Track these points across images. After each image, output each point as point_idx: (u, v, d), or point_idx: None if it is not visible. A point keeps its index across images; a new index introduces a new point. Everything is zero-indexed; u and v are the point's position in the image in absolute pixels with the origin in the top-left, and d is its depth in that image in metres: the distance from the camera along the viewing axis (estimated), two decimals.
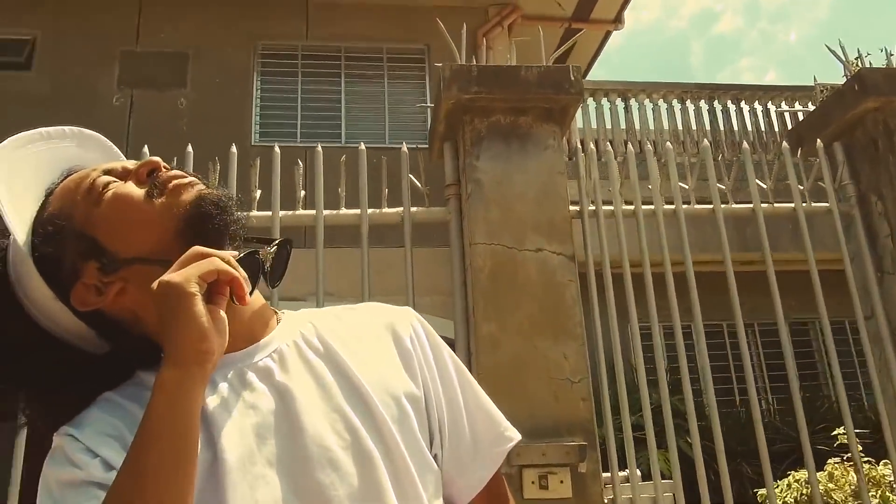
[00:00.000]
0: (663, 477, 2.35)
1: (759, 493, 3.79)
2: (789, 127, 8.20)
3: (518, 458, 2.08)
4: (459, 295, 2.45)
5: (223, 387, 0.80)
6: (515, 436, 0.98)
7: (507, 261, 2.35)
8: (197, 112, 8.98)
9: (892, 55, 2.86)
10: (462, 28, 2.90)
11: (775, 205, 2.69)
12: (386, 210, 2.52)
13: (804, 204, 2.69)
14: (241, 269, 0.76)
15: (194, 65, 9.25)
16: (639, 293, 2.50)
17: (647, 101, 8.09)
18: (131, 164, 0.88)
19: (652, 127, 7.94)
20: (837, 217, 2.69)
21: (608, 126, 7.77)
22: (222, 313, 0.73)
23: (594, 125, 7.79)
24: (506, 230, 2.37)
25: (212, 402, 0.78)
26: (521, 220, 2.39)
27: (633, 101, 8.05)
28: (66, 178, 0.86)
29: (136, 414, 0.75)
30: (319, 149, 2.67)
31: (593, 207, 2.58)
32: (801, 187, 2.71)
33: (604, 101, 7.98)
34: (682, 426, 2.96)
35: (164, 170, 0.86)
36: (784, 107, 8.40)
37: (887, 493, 2.97)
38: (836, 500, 3.26)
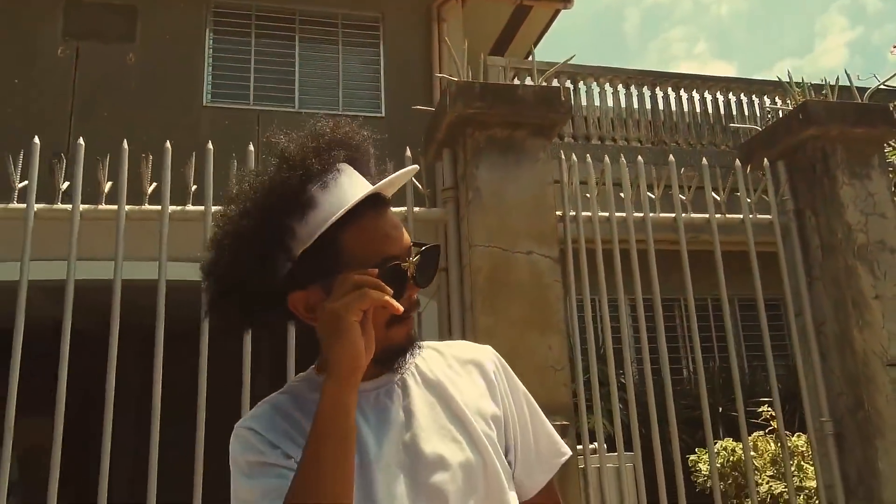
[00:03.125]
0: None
1: (690, 458, 4.31)
2: (722, 113, 8.79)
3: None
4: (457, 290, 2.75)
5: (366, 407, 1.03)
6: (567, 451, 1.22)
7: (503, 262, 2.66)
8: (146, 69, 8.78)
9: (831, 85, 3.27)
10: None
11: (727, 216, 3.09)
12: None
13: (751, 216, 3.10)
14: (387, 289, 0.93)
15: (143, 19, 9.00)
16: (602, 273, 2.86)
17: (594, 85, 8.49)
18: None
19: (600, 108, 8.36)
20: (777, 228, 3.12)
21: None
22: (371, 332, 0.93)
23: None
24: (502, 235, 2.68)
25: (359, 418, 1.00)
26: (515, 227, 2.70)
27: (581, 84, 8.42)
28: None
29: (300, 420, 1.01)
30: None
31: (574, 213, 2.91)
32: (749, 200, 3.12)
33: (554, 82, 8.31)
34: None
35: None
36: (719, 96, 8.95)
37: (801, 462, 3.50)
38: (757, 467, 3.78)
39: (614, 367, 2.79)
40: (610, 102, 8.55)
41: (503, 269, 2.66)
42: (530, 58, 8.67)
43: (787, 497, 3.11)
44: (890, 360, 2.90)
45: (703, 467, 4.27)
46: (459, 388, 1.11)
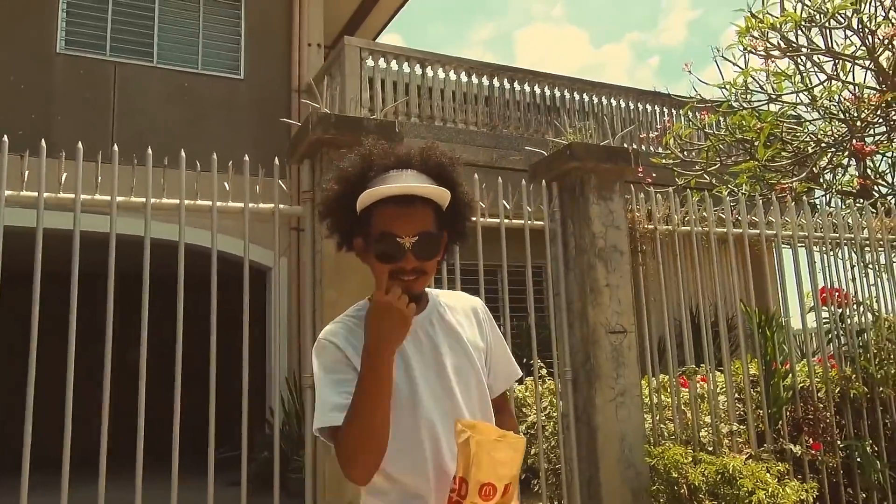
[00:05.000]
0: None
1: None
2: (548, 105, 10.14)
3: None
4: (309, 270, 3.68)
5: (416, 330, 1.51)
6: (519, 373, 1.79)
7: None
8: None
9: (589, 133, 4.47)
10: None
11: (513, 220, 4.23)
12: (262, 206, 3.63)
13: (530, 222, 4.26)
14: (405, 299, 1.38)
15: None
16: None
17: (440, 71, 9.49)
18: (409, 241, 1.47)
19: (444, 93, 9.39)
20: (548, 232, 4.31)
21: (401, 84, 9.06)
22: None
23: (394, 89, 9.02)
24: None
25: (408, 338, 1.43)
26: None
27: (429, 70, 9.39)
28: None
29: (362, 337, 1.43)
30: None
31: None
32: (530, 209, 4.28)
33: (405, 65, 9.22)
34: None
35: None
36: (547, 90, 10.28)
37: (553, 399, 4.80)
38: (528, 403, 5.09)
39: None
40: (453, 88, 9.59)
41: (345, 256, 3.59)
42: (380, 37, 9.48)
43: (542, 423, 4.37)
44: (610, 329, 4.20)
45: None
46: (465, 327, 1.67)
